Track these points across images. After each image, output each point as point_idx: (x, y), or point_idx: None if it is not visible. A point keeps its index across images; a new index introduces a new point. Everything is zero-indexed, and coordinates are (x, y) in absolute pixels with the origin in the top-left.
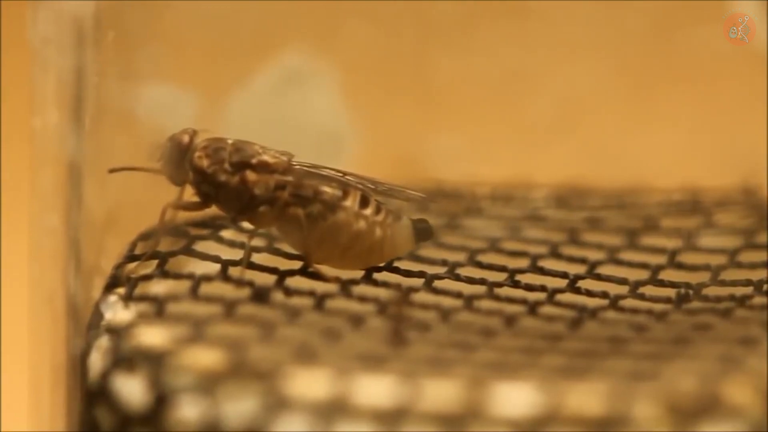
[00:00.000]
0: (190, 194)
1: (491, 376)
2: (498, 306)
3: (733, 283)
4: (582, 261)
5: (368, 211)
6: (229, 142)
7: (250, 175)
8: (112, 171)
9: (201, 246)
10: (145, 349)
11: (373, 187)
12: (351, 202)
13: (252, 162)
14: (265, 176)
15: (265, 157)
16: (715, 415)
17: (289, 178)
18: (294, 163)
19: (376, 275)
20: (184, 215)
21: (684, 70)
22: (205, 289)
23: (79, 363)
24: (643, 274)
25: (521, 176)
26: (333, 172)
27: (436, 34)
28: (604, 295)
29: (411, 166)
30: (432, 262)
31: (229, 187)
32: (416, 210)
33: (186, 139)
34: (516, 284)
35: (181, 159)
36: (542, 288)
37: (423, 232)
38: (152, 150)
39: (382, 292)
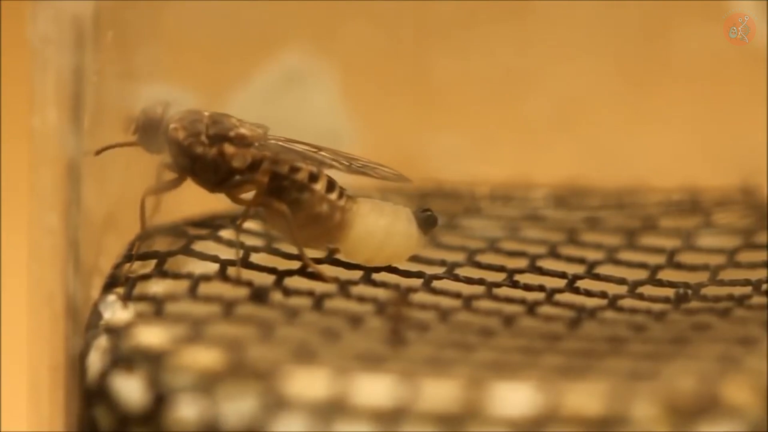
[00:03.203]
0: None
1: (490, 376)
2: (497, 306)
3: (732, 283)
4: (581, 261)
5: (333, 196)
6: (206, 114)
7: (228, 148)
8: (98, 153)
9: (200, 246)
10: (144, 348)
11: (347, 163)
12: (320, 186)
13: (230, 135)
14: (242, 149)
15: (243, 130)
16: (714, 414)
17: (266, 153)
18: (269, 137)
19: (375, 275)
20: (180, 216)
21: (684, 70)
22: (204, 288)
23: (78, 363)
24: (642, 274)
25: (520, 176)
26: (307, 147)
27: (436, 34)
28: (602, 295)
29: (410, 166)
30: (431, 262)
31: (206, 159)
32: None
33: (159, 111)
34: (515, 284)
35: (155, 131)
36: (541, 288)
37: (427, 221)
38: (126, 122)
39: (380, 292)
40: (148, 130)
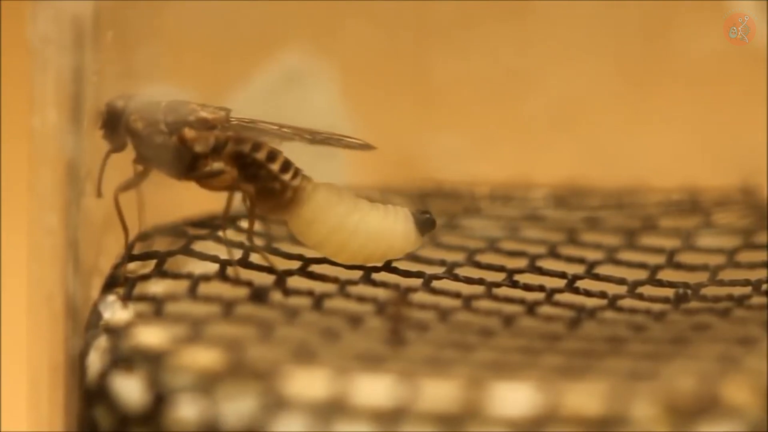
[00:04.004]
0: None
1: (490, 376)
2: (496, 306)
3: (732, 283)
4: (580, 261)
5: (287, 176)
6: (163, 102)
7: (189, 133)
8: (99, 195)
9: (199, 246)
10: (144, 348)
11: (310, 137)
12: (276, 166)
13: (189, 119)
14: (204, 133)
15: (203, 114)
16: (714, 414)
17: (230, 134)
18: (232, 118)
19: (375, 275)
20: (180, 216)
21: (683, 70)
22: (204, 288)
23: (77, 363)
24: (642, 274)
25: (520, 176)
26: (270, 126)
27: (436, 34)
28: (602, 295)
29: (410, 166)
30: (430, 261)
31: (167, 147)
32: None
33: (120, 103)
34: (514, 284)
35: (117, 124)
36: (541, 288)
37: (425, 223)
38: (94, 118)
39: (380, 292)
40: (111, 124)
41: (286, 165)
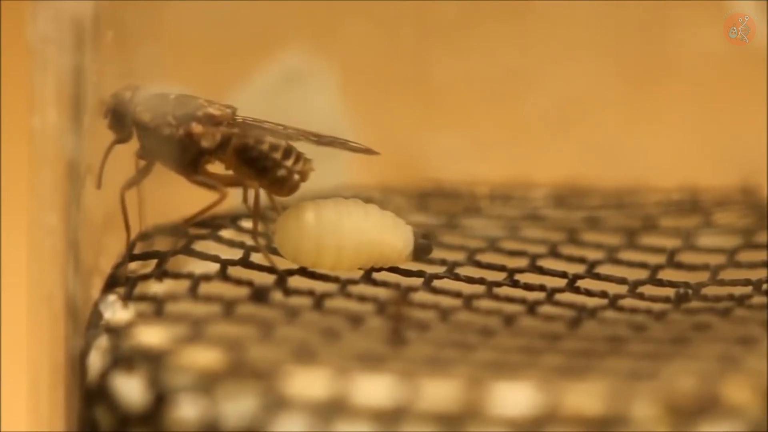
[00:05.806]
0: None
1: (490, 376)
2: (497, 305)
3: (732, 283)
4: (581, 260)
5: (289, 162)
6: (172, 96)
7: (196, 128)
8: (99, 186)
9: (200, 245)
10: (144, 348)
11: (315, 139)
12: (279, 155)
13: (197, 114)
14: (211, 128)
15: (211, 110)
16: (714, 414)
17: (235, 130)
18: (237, 116)
19: (376, 275)
20: (180, 215)
21: (683, 70)
22: (204, 288)
23: (78, 363)
24: (642, 274)
25: (520, 176)
26: (274, 125)
27: (436, 34)
28: (603, 294)
29: (410, 166)
30: (431, 261)
31: (174, 140)
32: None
33: (128, 94)
34: (515, 284)
35: (124, 114)
36: (541, 287)
37: (421, 248)
38: (99, 107)
39: (381, 292)
40: (117, 114)
41: (288, 151)
